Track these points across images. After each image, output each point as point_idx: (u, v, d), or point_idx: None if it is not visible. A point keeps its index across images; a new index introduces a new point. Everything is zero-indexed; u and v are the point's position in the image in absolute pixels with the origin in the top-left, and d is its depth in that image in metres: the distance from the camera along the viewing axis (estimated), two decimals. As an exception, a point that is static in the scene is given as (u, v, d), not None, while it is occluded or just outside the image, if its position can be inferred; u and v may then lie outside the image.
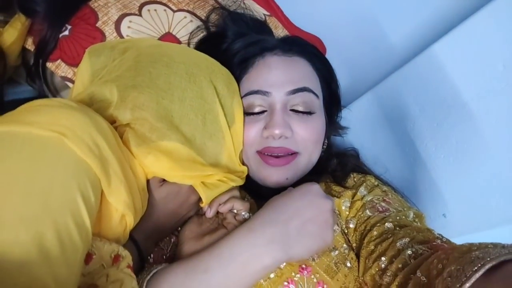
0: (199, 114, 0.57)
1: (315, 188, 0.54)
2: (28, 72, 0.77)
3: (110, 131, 0.49)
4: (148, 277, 0.47)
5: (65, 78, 0.73)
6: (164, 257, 0.58)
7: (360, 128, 0.93)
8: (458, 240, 0.51)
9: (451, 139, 0.74)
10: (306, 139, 0.64)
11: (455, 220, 0.75)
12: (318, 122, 0.67)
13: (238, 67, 0.68)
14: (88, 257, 0.44)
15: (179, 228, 0.62)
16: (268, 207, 0.53)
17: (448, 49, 0.73)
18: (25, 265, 0.35)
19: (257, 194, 0.68)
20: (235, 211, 0.59)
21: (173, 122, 0.55)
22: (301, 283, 0.53)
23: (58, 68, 0.73)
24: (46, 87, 0.76)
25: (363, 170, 0.77)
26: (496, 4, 0.65)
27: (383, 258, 0.51)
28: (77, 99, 0.54)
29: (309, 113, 0.65)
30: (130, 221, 0.50)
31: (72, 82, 0.73)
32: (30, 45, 0.74)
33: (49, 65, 0.73)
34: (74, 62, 0.72)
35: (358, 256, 0.58)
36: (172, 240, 0.60)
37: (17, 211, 0.36)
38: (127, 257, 0.45)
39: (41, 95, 0.77)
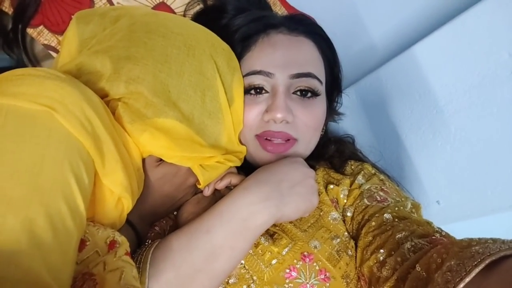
0: (198, 91, 0.53)
1: (299, 159, 0.59)
2: (5, 39, 0.70)
3: (102, 105, 0.45)
4: (152, 249, 0.47)
5: (47, 47, 0.67)
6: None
7: (356, 114, 0.92)
8: (451, 227, 0.52)
9: (450, 126, 0.74)
10: (307, 125, 0.62)
11: (449, 207, 0.76)
12: (320, 107, 0.64)
13: (240, 44, 0.64)
14: (82, 244, 0.40)
15: (175, 213, 0.59)
16: (259, 171, 0.55)
17: (453, 35, 0.71)
18: (15, 255, 0.31)
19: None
20: (232, 187, 0.57)
21: (170, 98, 0.51)
22: (303, 270, 0.52)
23: (40, 35, 0.66)
24: (25, 56, 0.69)
25: (360, 157, 0.77)
26: (505, -10, 0.64)
27: (381, 251, 0.50)
28: (63, 70, 0.49)
29: (311, 97, 0.63)
30: (128, 205, 0.46)
31: (56, 51, 0.67)
32: (7, 7, 0.67)
33: (29, 31, 0.67)
34: (58, 29, 0.66)
35: (355, 245, 0.58)
36: (169, 224, 0.58)
37: (3, 194, 0.33)
38: (124, 243, 0.42)
39: (19, 65, 0.71)
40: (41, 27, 0.67)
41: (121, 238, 0.42)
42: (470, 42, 0.69)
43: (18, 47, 0.69)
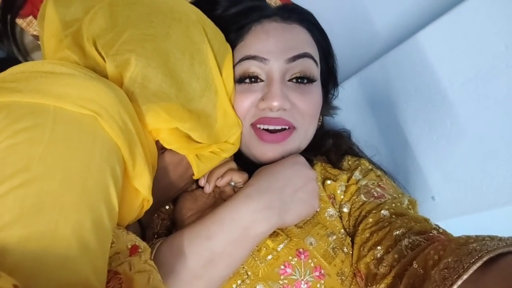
0: (186, 54, 0.52)
1: (301, 160, 0.58)
2: (-6, 30, 0.68)
3: (131, 104, 0.45)
4: (154, 251, 0.47)
5: (37, 38, 0.66)
6: (155, 236, 0.56)
7: (350, 108, 0.91)
8: (447, 223, 0.51)
9: (445, 121, 0.73)
10: (304, 111, 0.62)
11: (444, 203, 0.75)
12: (316, 93, 0.64)
13: (233, 34, 0.63)
14: None
15: (167, 207, 0.58)
16: (262, 175, 0.55)
17: (449, 27, 0.71)
18: (67, 260, 0.32)
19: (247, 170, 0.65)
20: (232, 183, 0.57)
21: (159, 61, 0.49)
22: (298, 267, 0.51)
23: (29, 25, 0.65)
24: (15, 47, 0.68)
25: (356, 152, 0.76)
26: (503, -17, 0.63)
27: (379, 247, 0.50)
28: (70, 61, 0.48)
29: (308, 82, 0.62)
30: (149, 205, 0.47)
31: (46, 42, 0.66)
32: (-4, -3, 0.65)
33: (19, 21, 0.65)
34: (48, 20, 0.64)
35: (352, 242, 0.57)
36: (161, 218, 0.57)
37: (56, 200, 0.34)
38: (147, 250, 0.43)
39: (9, 57, 0.69)
40: (30, 17, 0.65)
41: (143, 244, 0.43)
42: (466, 35, 0.68)
43: (7, 38, 0.67)
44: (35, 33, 0.66)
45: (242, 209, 0.49)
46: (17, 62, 0.71)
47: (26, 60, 0.71)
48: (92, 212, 0.35)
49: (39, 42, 0.67)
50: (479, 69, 0.67)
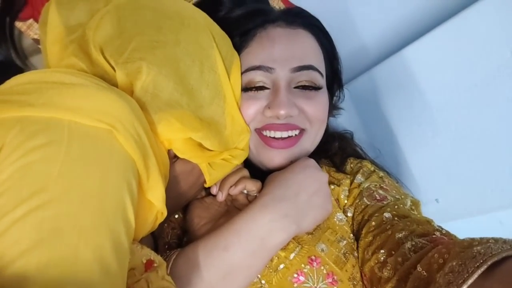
0: (196, 60, 0.50)
1: (312, 163, 0.57)
2: (-8, 33, 0.66)
3: (143, 115, 0.44)
4: (170, 263, 0.46)
5: (38, 41, 0.64)
6: (166, 246, 0.55)
7: (355, 110, 0.91)
8: (450, 225, 0.52)
9: (450, 125, 0.73)
10: (313, 116, 0.61)
11: (448, 205, 0.76)
12: (323, 99, 0.63)
13: (237, 39, 0.62)
14: None
15: (176, 216, 0.57)
16: (274, 183, 0.54)
17: (455, 32, 0.71)
18: (89, 285, 0.31)
19: (255, 176, 0.64)
20: (245, 191, 0.56)
21: (171, 69, 0.48)
22: (311, 274, 0.51)
23: (29, 28, 0.63)
24: (13, 51, 0.66)
25: (360, 154, 0.76)
26: (509, -12, 0.64)
27: (382, 251, 0.50)
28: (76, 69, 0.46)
29: (314, 89, 0.61)
30: (162, 218, 0.46)
31: (47, 46, 0.64)
32: (-6, 0, 0.63)
33: (18, 24, 0.63)
34: (49, 23, 0.62)
35: (357, 246, 0.57)
36: (170, 227, 0.56)
37: (75, 223, 0.32)
38: (163, 264, 0.42)
39: (7, 61, 0.67)
40: (30, 20, 0.63)
41: (158, 258, 0.42)
42: (472, 40, 0.68)
43: (5, 42, 0.65)
44: (35, 36, 0.64)
45: (258, 219, 0.49)
46: (15, 65, 0.68)
47: (25, 64, 0.68)
48: (111, 233, 0.34)
49: (39, 46, 0.65)
50: (485, 74, 0.67)
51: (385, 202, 0.57)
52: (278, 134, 0.59)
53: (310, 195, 0.52)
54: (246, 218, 0.49)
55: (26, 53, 0.68)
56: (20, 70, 0.68)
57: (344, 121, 0.90)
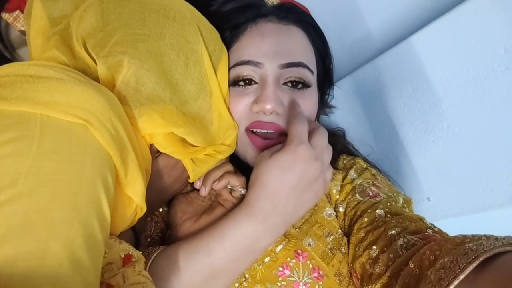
0: (181, 54, 0.49)
1: (301, 152, 0.47)
2: (-22, 24, 0.65)
3: (123, 110, 0.43)
4: (150, 262, 0.44)
5: (25, 33, 0.63)
6: (149, 239, 0.55)
7: (347, 107, 0.90)
8: (441, 223, 0.51)
9: (443, 122, 0.73)
10: None
11: (440, 204, 0.75)
12: (311, 99, 0.62)
13: (228, 34, 0.61)
14: None
15: (160, 210, 0.57)
16: (261, 185, 0.48)
17: (449, 28, 0.70)
18: (59, 278, 0.31)
19: (242, 170, 0.64)
20: (229, 186, 0.55)
21: (154, 63, 0.47)
22: (296, 268, 0.51)
23: (16, 20, 0.62)
24: (0, 43, 0.65)
25: (351, 151, 0.75)
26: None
27: (374, 247, 0.50)
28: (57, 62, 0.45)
29: (303, 87, 0.60)
30: (142, 212, 0.45)
31: (34, 38, 0.63)
32: (-20, -10, 0.62)
33: (4, 16, 0.62)
34: (36, 15, 0.61)
35: (348, 242, 0.57)
36: (154, 221, 0.55)
37: (46, 217, 0.32)
38: (141, 259, 0.41)
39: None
40: (17, 12, 0.62)
41: (136, 253, 0.41)
42: (466, 36, 0.68)
43: (-9, 33, 0.64)
44: (22, 28, 0.63)
45: (244, 227, 0.46)
46: (2, 56, 0.68)
47: (13, 56, 0.67)
48: (84, 227, 0.34)
49: (26, 38, 0.64)
50: (478, 71, 0.66)
51: (378, 199, 0.57)
52: (263, 131, 0.58)
53: (299, 194, 0.48)
54: (231, 225, 0.47)
55: (14, 45, 0.67)
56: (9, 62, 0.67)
57: (337, 117, 0.89)
